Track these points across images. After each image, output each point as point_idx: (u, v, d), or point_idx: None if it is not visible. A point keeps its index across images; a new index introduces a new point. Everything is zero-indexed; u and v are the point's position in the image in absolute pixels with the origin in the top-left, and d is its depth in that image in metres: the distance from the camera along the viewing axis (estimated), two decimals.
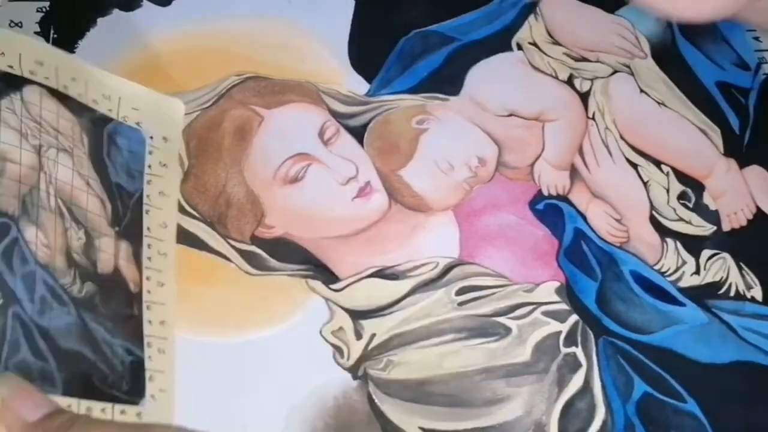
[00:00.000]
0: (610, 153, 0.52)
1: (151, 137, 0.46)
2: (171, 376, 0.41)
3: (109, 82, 0.47)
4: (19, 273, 0.38)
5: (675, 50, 0.56)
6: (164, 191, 0.46)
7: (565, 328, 0.46)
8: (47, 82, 0.44)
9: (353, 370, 0.44)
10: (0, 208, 0.39)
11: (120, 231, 0.43)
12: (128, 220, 0.44)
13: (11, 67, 0.43)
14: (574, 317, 0.46)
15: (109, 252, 0.42)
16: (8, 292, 0.38)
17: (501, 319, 0.46)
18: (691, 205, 0.51)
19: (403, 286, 0.46)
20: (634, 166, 0.51)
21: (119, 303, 0.41)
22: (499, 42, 0.55)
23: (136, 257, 0.43)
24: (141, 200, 0.45)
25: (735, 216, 0.51)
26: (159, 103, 0.48)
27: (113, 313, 0.41)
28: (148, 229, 0.44)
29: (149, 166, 0.46)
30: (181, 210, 0.47)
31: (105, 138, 0.45)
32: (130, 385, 0.40)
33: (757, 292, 0.48)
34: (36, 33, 0.52)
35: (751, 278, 0.49)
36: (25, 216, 0.40)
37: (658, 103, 0.54)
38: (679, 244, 0.49)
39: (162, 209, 0.45)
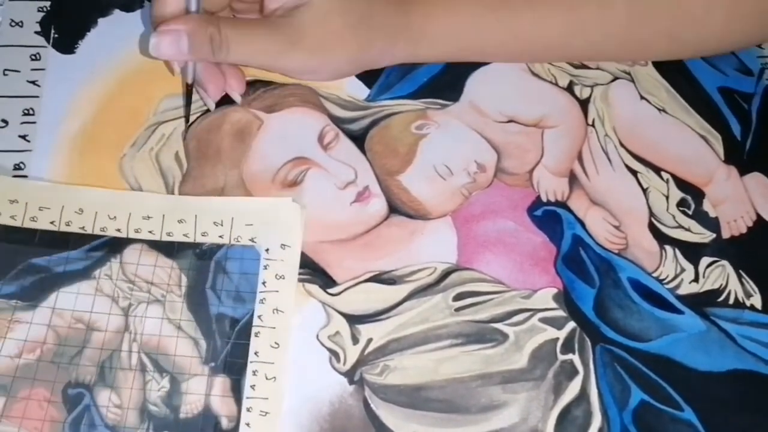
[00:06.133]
0: (609, 160, 0.51)
1: (267, 249, 0.45)
2: None
3: (221, 206, 0.46)
4: None
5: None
6: (279, 308, 0.44)
7: (562, 335, 0.46)
8: (151, 236, 0.44)
9: (349, 374, 0.44)
10: (78, 379, 0.41)
11: (216, 366, 0.42)
12: (228, 351, 0.43)
13: (119, 230, 0.44)
14: (572, 324, 0.46)
15: (199, 392, 0.42)
16: None
17: (498, 326, 0.46)
18: (690, 213, 0.50)
19: (401, 291, 0.46)
20: (634, 173, 0.51)
21: None
22: None
23: (235, 390, 0.42)
24: (249, 324, 0.44)
25: (735, 223, 0.51)
26: (274, 210, 0.47)
27: None
28: (256, 353, 0.43)
29: (263, 283, 0.44)
30: None
31: (212, 269, 0.44)
32: None
33: (756, 300, 0.48)
34: (36, 33, 0.52)
35: (751, 286, 0.48)
36: (101, 382, 0.41)
37: (659, 109, 0.53)
38: (678, 252, 0.49)
39: (275, 328, 0.44)
